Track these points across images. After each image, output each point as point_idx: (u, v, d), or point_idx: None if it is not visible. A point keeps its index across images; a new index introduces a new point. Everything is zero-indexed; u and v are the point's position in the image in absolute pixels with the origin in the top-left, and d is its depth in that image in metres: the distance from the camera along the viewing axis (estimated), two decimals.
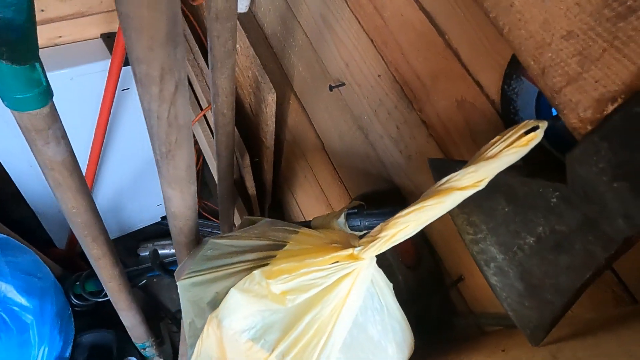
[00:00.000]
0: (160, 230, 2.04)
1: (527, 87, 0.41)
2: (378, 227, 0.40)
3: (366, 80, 0.66)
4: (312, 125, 0.92)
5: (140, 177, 1.70)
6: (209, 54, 0.61)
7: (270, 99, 0.87)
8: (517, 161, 0.36)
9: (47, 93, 0.55)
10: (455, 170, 0.36)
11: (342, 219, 0.59)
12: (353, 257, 0.41)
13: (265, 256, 0.46)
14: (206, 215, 1.98)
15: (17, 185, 1.41)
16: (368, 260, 0.42)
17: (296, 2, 0.78)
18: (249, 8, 0.94)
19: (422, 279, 0.64)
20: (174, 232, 0.58)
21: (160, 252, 1.94)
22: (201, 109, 1.19)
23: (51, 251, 1.53)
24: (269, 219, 0.55)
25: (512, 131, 0.33)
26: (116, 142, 1.53)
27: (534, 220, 0.36)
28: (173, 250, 2.03)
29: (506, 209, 0.38)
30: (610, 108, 0.28)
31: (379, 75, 0.63)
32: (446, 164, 0.44)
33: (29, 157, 1.40)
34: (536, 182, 0.35)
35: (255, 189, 1.20)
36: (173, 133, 0.35)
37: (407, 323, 0.54)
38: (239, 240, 0.49)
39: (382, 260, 0.64)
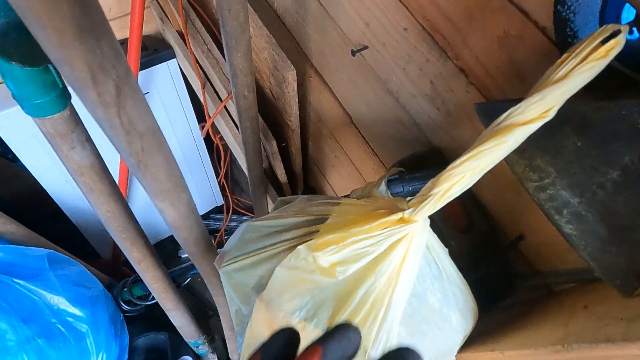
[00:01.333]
0: None
1: (586, 0, 0.35)
2: (429, 184, 0.36)
3: (390, 36, 0.61)
4: (337, 100, 0.88)
5: None
6: (222, 32, 0.58)
7: (291, 76, 0.83)
8: (585, 86, 0.31)
9: (64, 95, 0.53)
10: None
11: (382, 186, 0.54)
12: (404, 221, 0.37)
13: (307, 232, 0.42)
14: (240, 210, 1.97)
15: (57, 202, 1.45)
16: (421, 223, 0.38)
17: None
18: None
19: (476, 243, 0.59)
20: (182, 243, 0.56)
21: None
22: (221, 101, 1.16)
23: (97, 262, 1.56)
24: (305, 195, 0.52)
25: (585, 43, 0.28)
26: None
27: (617, 150, 0.31)
28: None
29: (579, 144, 0.33)
30: None
31: (404, 29, 0.57)
32: (499, 106, 0.39)
33: (63, 173, 1.43)
34: (616, 104, 0.30)
35: (285, 176, 1.17)
36: (135, 142, 0.32)
37: (469, 289, 0.50)
38: (278, 220, 0.46)
39: (431, 227, 0.60)
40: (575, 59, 0.28)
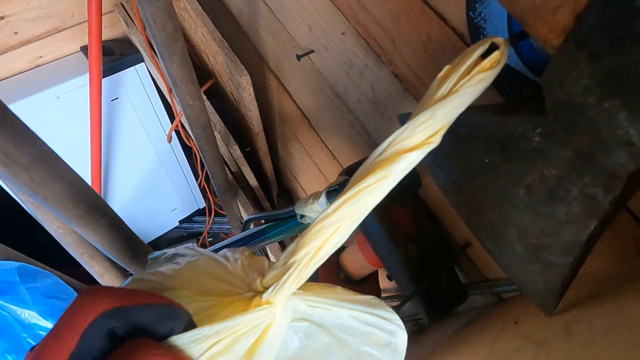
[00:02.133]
0: (180, 235, 2.05)
1: (494, 8, 0.33)
2: (291, 247, 0.26)
3: (332, 41, 0.59)
4: (295, 103, 0.86)
5: (150, 184, 1.69)
6: (152, 43, 0.56)
7: (245, 81, 0.81)
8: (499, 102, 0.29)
9: None
10: None
11: (322, 199, 0.53)
12: (260, 306, 0.26)
13: None
14: (222, 212, 1.96)
15: (28, 211, 1.43)
16: (282, 307, 0.26)
17: None
18: None
19: (425, 250, 0.57)
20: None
21: None
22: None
23: (76, 271, 1.55)
24: (171, 250, 0.36)
25: (466, 55, 0.26)
26: (118, 153, 1.51)
27: (520, 169, 0.29)
28: None
29: (486, 160, 0.31)
30: (584, 2, 0.21)
31: (342, 33, 0.56)
32: None
33: None
34: (512, 119, 0.28)
35: (256, 179, 1.15)
36: (20, 174, 0.30)
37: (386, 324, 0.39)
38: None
39: (378, 234, 0.58)
40: (458, 73, 0.26)
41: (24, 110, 1.20)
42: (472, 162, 0.33)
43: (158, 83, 1.35)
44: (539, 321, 0.35)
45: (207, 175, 1.83)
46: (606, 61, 0.21)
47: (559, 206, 0.28)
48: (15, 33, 1.19)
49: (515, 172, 0.29)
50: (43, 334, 1.13)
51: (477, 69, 0.25)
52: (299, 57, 0.66)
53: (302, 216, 0.59)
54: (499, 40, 0.25)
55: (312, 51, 0.66)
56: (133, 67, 1.35)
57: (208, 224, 1.92)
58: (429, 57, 0.43)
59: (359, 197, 0.25)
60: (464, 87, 0.26)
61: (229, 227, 1.98)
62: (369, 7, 0.48)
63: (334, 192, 0.53)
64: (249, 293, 0.27)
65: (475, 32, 0.36)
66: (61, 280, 1.29)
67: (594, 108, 0.22)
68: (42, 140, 0.33)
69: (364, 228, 0.56)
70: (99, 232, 0.44)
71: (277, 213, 0.64)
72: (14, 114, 0.30)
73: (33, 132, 0.32)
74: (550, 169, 0.27)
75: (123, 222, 0.50)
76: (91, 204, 0.41)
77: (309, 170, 1.01)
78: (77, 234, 0.76)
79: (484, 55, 0.25)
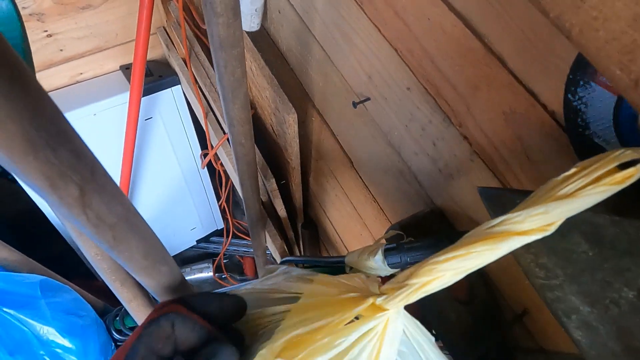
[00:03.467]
0: (197, 254, 2.04)
1: (600, 94, 0.32)
2: (407, 272, 0.32)
3: (393, 93, 0.59)
4: (338, 142, 0.85)
5: (171, 203, 1.69)
6: (218, 85, 0.56)
7: (291, 119, 0.81)
8: None
9: None
10: (515, 204, 0.28)
11: (379, 256, 0.52)
12: (376, 309, 0.34)
13: (279, 311, 0.40)
14: (240, 235, 1.95)
15: (51, 221, 1.43)
16: (394, 312, 0.34)
17: (309, 15, 0.72)
18: (261, 25, 0.88)
19: (478, 315, 0.56)
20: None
21: (198, 275, 1.93)
22: (224, 133, 1.15)
23: (92, 284, 1.54)
24: (285, 267, 0.49)
25: (598, 163, 0.25)
26: (145, 171, 1.52)
27: (632, 270, 0.28)
28: (210, 274, 2.01)
29: (590, 254, 0.30)
30: None
31: (407, 88, 0.55)
32: (503, 195, 0.36)
33: None
34: (631, 222, 0.27)
35: (285, 211, 1.15)
36: (105, 232, 0.30)
37: None
38: (255, 294, 0.43)
39: (429, 297, 0.57)
40: (586, 178, 0.25)
41: None
42: (571, 251, 0.31)
43: (193, 106, 1.36)
44: None
45: (228, 197, 1.82)
46: None
47: None
48: (61, 50, 1.21)
49: (626, 272, 0.28)
50: (60, 352, 1.11)
51: (608, 179, 0.24)
52: (355, 105, 0.65)
53: (351, 268, 0.58)
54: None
55: (369, 99, 0.65)
56: (169, 89, 1.36)
57: (225, 245, 1.91)
58: (508, 127, 0.43)
59: (466, 257, 0.28)
60: (589, 193, 0.25)
61: (246, 249, 1.96)
62: (444, 69, 0.47)
63: (391, 250, 0.52)
64: (366, 294, 0.34)
65: (572, 114, 0.35)
66: (80, 296, 1.28)
67: None
68: (127, 198, 0.33)
69: None
70: (157, 278, 0.43)
71: (323, 261, 0.63)
72: (109, 176, 0.29)
73: (121, 192, 0.32)
74: None
75: (177, 267, 0.49)
76: (157, 256, 0.40)
77: (343, 207, 1.00)
78: (113, 261, 0.75)
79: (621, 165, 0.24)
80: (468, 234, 0.30)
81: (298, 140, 0.88)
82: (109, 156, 1.31)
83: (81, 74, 1.30)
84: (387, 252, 0.52)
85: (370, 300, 0.33)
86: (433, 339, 0.41)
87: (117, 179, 1.34)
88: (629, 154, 0.24)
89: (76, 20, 1.17)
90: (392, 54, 0.55)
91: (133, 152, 1.27)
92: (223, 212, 1.88)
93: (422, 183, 0.63)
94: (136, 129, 1.22)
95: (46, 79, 1.24)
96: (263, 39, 0.95)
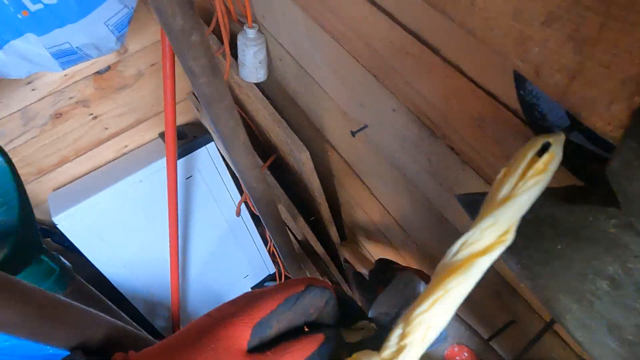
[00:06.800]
0: None
1: None
2: (397, 332, 0.30)
3: (383, 117, 0.60)
4: (354, 172, 0.87)
5: (221, 254, 1.76)
6: (218, 135, 0.60)
7: (305, 157, 0.84)
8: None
9: (63, 277, 0.54)
10: None
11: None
12: None
13: None
14: (290, 277, 1.97)
15: (116, 287, 1.54)
16: None
17: (304, 59, 0.76)
18: (269, 74, 0.94)
19: None
20: None
21: None
22: None
23: (159, 340, 1.62)
24: None
25: (518, 159, 0.25)
26: (193, 226, 1.61)
27: (598, 258, 0.26)
28: None
29: (559, 247, 0.29)
30: (638, 99, 0.19)
31: (393, 110, 0.57)
32: (481, 199, 0.36)
33: (121, 261, 1.52)
34: (581, 209, 0.26)
35: (321, 247, 1.16)
36: None
37: None
38: None
39: None
40: (514, 177, 0.25)
41: (115, 194, 1.34)
42: (542, 248, 0.30)
43: (227, 159, 1.44)
44: None
45: None
46: None
47: None
48: (106, 128, 1.35)
49: (594, 260, 0.27)
50: None
51: (532, 170, 0.24)
52: (353, 133, 0.67)
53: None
54: (553, 138, 0.24)
55: (366, 126, 0.67)
56: (204, 147, 1.46)
57: None
58: (483, 133, 0.43)
59: (446, 297, 0.27)
60: (523, 189, 0.25)
61: None
62: (418, 87, 0.49)
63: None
64: None
65: (528, 110, 0.35)
66: None
67: None
68: None
69: None
70: None
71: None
72: None
73: None
74: (635, 262, 0.24)
75: None
76: None
77: (375, 237, 1.00)
78: None
79: (540, 153, 0.24)
80: (437, 269, 0.29)
81: (316, 176, 0.91)
82: (158, 217, 1.41)
83: (126, 146, 1.44)
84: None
85: None
86: None
87: (166, 237, 1.43)
88: (539, 140, 0.24)
89: (115, 100, 1.31)
90: (372, 81, 0.57)
91: (177, 210, 1.36)
92: (272, 256, 1.92)
93: (430, 199, 0.62)
94: (176, 189, 1.32)
95: (96, 156, 1.38)
96: (273, 87, 1.01)
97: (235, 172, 0.68)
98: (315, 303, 0.32)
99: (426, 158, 0.56)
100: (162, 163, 1.39)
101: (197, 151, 1.44)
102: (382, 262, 0.72)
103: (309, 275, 1.19)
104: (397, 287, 0.48)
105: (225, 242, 1.71)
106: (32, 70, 0.94)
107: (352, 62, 0.59)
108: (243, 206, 1.66)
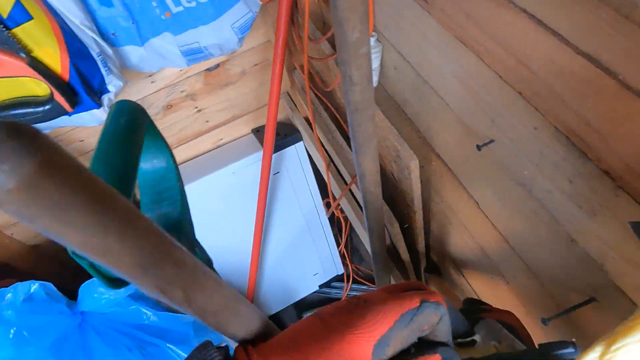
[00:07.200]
0: (318, 299, 2.12)
1: None
2: (593, 357, 0.28)
3: (519, 134, 0.60)
4: (460, 183, 0.87)
5: (296, 249, 1.81)
6: (352, 141, 0.63)
7: (413, 165, 0.86)
8: None
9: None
10: None
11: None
12: None
13: None
14: (359, 279, 1.98)
15: None
16: None
17: (425, 69, 0.77)
18: (378, 82, 0.97)
19: None
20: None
21: None
22: (345, 182, 1.23)
23: None
24: None
25: None
26: (273, 220, 1.67)
27: None
28: None
29: None
30: None
31: (534, 128, 0.56)
32: None
33: (207, 246, 1.61)
34: None
35: (408, 255, 1.16)
36: (210, 319, 0.33)
37: None
38: None
39: None
40: None
41: (209, 183, 1.43)
42: None
43: (314, 159, 1.49)
44: None
45: (347, 243, 1.89)
46: None
47: None
48: (207, 121, 1.45)
49: None
50: None
51: None
52: (479, 147, 0.67)
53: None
54: None
55: (492, 141, 0.67)
56: (293, 146, 1.51)
57: (346, 290, 1.96)
58: None
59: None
60: None
61: None
62: (577, 108, 0.48)
63: None
64: None
65: None
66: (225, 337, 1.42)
67: None
68: (228, 288, 0.35)
69: None
70: None
71: None
72: (209, 274, 0.32)
73: (221, 284, 0.34)
74: None
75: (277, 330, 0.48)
76: (260, 330, 0.42)
77: (470, 250, 0.99)
78: None
79: None
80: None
81: (420, 185, 0.92)
82: (243, 209, 1.48)
83: (221, 139, 1.52)
84: None
85: None
86: None
87: (251, 228, 1.50)
88: None
89: (219, 96, 1.39)
90: (516, 97, 0.57)
91: (265, 203, 1.43)
92: (342, 257, 1.95)
93: (559, 220, 0.61)
94: (268, 183, 1.38)
95: (195, 145, 1.48)
96: (380, 94, 1.03)
97: (358, 175, 0.71)
98: (430, 320, 0.30)
99: (567, 179, 0.55)
100: (253, 158, 1.47)
101: (286, 149, 1.50)
102: (469, 301, 0.68)
103: (393, 282, 1.20)
104: (479, 333, 0.46)
105: (301, 239, 1.76)
106: (163, 66, 1.03)
107: (492, 77, 0.59)
108: (323, 206, 1.70)
